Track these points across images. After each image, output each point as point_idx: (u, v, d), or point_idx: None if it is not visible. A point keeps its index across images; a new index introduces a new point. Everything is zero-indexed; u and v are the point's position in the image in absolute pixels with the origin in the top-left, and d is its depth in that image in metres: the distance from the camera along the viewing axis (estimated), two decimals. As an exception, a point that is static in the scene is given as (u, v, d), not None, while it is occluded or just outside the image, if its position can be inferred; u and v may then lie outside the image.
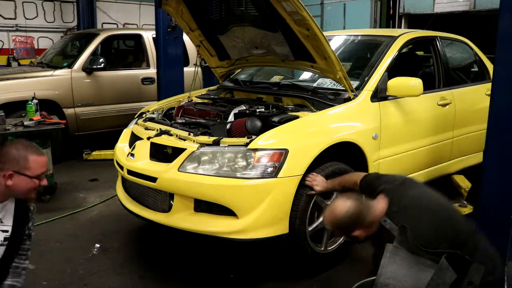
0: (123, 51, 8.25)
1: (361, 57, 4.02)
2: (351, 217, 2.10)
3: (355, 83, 3.32)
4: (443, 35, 4.39)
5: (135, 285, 2.94)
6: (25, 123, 4.28)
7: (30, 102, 4.51)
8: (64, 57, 6.71)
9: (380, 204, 2.17)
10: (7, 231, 2.11)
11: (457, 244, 2.08)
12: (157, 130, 3.19)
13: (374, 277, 2.22)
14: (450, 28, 5.80)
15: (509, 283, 2.67)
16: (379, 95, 3.33)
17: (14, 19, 10.25)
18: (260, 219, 2.68)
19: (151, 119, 3.58)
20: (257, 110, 3.21)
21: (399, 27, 10.58)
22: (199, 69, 5.44)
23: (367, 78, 3.39)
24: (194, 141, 2.87)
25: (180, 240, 3.44)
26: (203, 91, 4.26)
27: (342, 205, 2.13)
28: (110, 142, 4.54)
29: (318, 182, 2.81)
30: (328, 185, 2.84)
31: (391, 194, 2.22)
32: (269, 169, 2.66)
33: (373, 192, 2.34)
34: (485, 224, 2.73)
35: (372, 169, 3.24)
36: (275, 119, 2.99)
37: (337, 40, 4.19)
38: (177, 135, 3.01)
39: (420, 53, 5.21)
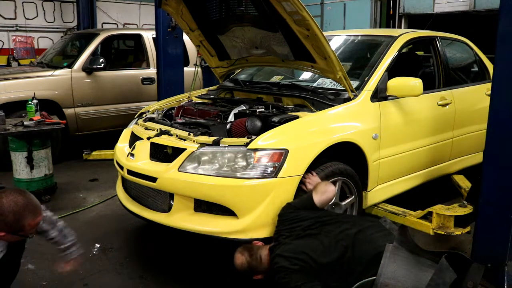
0: (123, 51, 8.26)
1: (361, 57, 4.02)
2: (246, 269, 2.58)
3: (355, 83, 3.32)
4: (443, 35, 4.39)
5: (135, 285, 2.94)
6: (25, 123, 4.28)
7: (30, 102, 4.51)
8: (64, 57, 6.71)
9: (263, 254, 2.56)
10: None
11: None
12: (157, 130, 3.19)
13: (374, 277, 2.22)
14: (450, 28, 5.80)
15: (509, 283, 2.67)
16: (379, 95, 3.33)
17: (14, 19, 10.26)
18: (260, 219, 2.68)
19: (151, 119, 3.58)
20: (257, 110, 3.21)
21: (399, 27, 10.59)
22: (199, 69, 5.45)
23: (367, 78, 3.39)
24: (194, 141, 2.87)
25: (180, 240, 3.44)
26: (203, 91, 4.26)
27: (238, 259, 2.58)
28: (110, 142, 4.54)
29: (312, 181, 2.81)
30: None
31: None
32: (269, 169, 2.66)
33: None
34: (485, 224, 2.73)
35: (372, 169, 3.25)
36: (275, 119, 2.99)
37: (337, 40, 4.19)
38: (177, 135, 3.01)
39: (420, 53, 5.21)
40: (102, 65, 5.85)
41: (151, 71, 6.49)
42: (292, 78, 4.14)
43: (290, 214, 2.65)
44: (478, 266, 2.48)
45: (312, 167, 2.85)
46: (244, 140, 2.76)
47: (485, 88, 4.27)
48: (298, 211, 2.65)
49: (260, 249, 2.60)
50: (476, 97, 4.32)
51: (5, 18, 10.11)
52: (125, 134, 3.63)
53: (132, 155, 3.15)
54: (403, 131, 3.52)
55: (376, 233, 2.47)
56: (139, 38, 6.80)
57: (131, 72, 6.57)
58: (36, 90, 5.11)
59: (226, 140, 2.80)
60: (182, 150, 2.86)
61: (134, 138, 3.35)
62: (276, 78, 4.08)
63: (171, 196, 2.91)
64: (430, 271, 2.21)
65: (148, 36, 6.70)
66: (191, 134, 2.95)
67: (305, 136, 2.85)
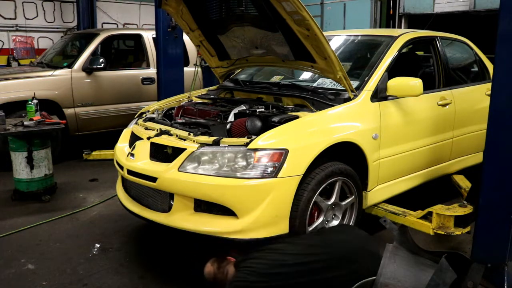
0: (123, 51, 8.27)
1: (361, 57, 4.02)
2: (211, 279, 2.63)
3: (355, 83, 3.32)
4: (443, 35, 4.39)
5: (135, 285, 2.94)
6: (25, 123, 4.28)
7: (30, 102, 4.51)
8: (64, 57, 6.71)
9: (231, 269, 2.58)
10: None
11: None
12: (157, 130, 3.19)
13: (374, 277, 2.23)
14: (450, 28, 5.80)
15: (509, 283, 2.67)
16: (379, 95, 3.33)
17: (14, 19, 10.26)
18: (260, 219, 2.68)
19: (151, 119, 3.58)
20: (257, 110, 3.21)
21: (399, 27, 10.59)
22: (199, 69, 5.44)
23: (367, 78, 3.39)
24: (194, 141, 2.87)
25: (180, 240, 3.44)
26: (203, 91, 4.26)
27: (207, 268, 2.65)
28: (110, 142, 4.54)
29: None
30: None
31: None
32: (269, 169, 2.66)
33: None
34: (485, 224, 2.73)
35: (372, 169, 3.25)
36: (275, 119, 2.99)
37: (337, 40, 4.19)
38: (177, 135, 3.01)
39: (420, 53, 5.21)
40: (102, 65, 5.86)
41: (151, 71, 6.50)
42: (292, 78, 4.14)
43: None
44: (478, 266, 2.49)
45: (312, 167, 2.85)
46: (244, 140, 2.76)
47: (485, 88, 4.27)
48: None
49: (230, 264, 2.62)
50: (476, 97, 4.32)
51: (5, 18, 10.11)
52: (125, 134, 3.63)
53: (132, 155, 3.15)
54: (403, 131, 3.52)
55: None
56: (139, 38, 6.80)
57: (131, 72, 6.57)
58: (36, 90, 5.11)
59: (226, 140, 2.80)
60: (182, 150, 2.86)
61: (134, 138, 3.35)
62: (276, 78, 4.08)
63: (171, 196, 2.91)
64: (430, 271, 2.21)
65: (148, 36, 6.70)
66: (191, 134, 2.95)
67: (305, 136, 2.85)
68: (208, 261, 2.67)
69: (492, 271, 2.67)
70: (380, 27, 10.74)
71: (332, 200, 3.02)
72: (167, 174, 2.84)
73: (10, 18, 10.20)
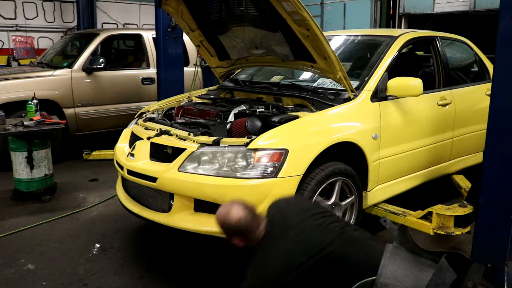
0: (123, 51, 8.26)
1: (361, 57, 4.02)
2: (239, 227, 2.06)
3: (355, 83, 3.32)
4: (443, 35, 4.39)
5: (135, 285, 2.94)
6: (25, 123, 4.28)
7: (30, 102, 4.51)
8: (64, 57, 6.71)
9: (262, 225, 2.12)
10: None
11: (320, 257, 2.02)
12: (157, 130, 3.19)
13: (374, 277, 2.22)
14: (450, 28, 5.80)
15: (509, 283, 2.67)
16: (379, 95, 3.33)
17: (14, 19, 10.25)
18: (260, 219, 2.67)
19: (151, 119, 3.58)
20: (257, 110, 3.21)
21: (399, 27, 10.59)
22: (199, 69, 5.44)
23: (367, 78, 3.39)
24: (194, 141, 2.87)
25: (180, 240, 3.44)
26: (203, 91, 4.26)
27: (238, 213, 2.06)
28: (110, 142, 4.54)
29: None
30: None
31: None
32: (269, 169, 2.66)
33: None
34: (485, 224, 2.73)
35: (372, 169, 3.25)
36: (275, 119, 2.99)
37: (337, 40, 4.19)
38: (177, 135, 3.01)
39: (420, 53, 5.21)
40: (102, 65, 5.85)
41: (151, 71, 6.49)
42: (292, 78, 4.14)
43: None
44: (478, 266, 2.48)
45: (312, 167, 2.85)
46: (244, 140, 2.77)
47: (485, 88, 4.27)
48: None
49: (262, 217, 2.17)
50: (476, 97, 4.32)
51: (5, 18, 10.10)
52: (125, 134, 3.63)
53: (132, 155, 3.15)
54: (403, 131, 3.52)
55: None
56: (139, 38, 6.80)
57: (131, 72, 6.57)
58: (36, 90, 5.10)
59: (226, 140, 2.81)
60: (182, 150, 2.86)
61: (134, 138, 3.36)
62: (276, 78, 4.08)
63: (171, 196, 2.91)
64: (430, 271, 2.21)
65: (148, 36, 6.70)
66: (191, 134, 2.96)
67: (305, 136, 2.86)
68: (234, 203, 2.12)
69: (492, 271, 2.67)
70: (380, 27, 10.73)
71: (332, 200, 3.02)
72: (167, 174, 2.84)
73: (10, 18, 10.19)
